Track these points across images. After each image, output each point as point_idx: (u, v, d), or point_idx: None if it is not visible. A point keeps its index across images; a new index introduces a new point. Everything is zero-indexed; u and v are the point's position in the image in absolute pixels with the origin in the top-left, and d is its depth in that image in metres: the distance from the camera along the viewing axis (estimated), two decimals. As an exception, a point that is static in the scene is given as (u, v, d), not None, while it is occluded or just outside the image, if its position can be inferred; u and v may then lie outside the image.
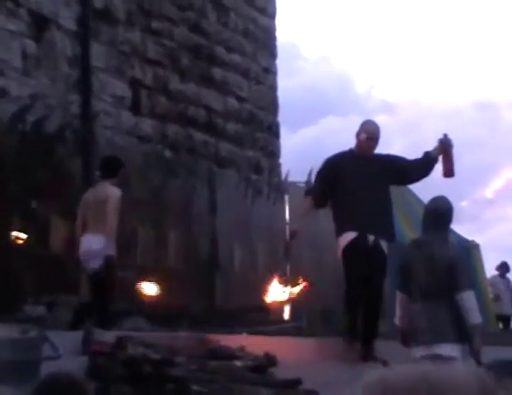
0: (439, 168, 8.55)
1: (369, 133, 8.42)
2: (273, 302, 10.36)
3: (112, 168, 9.36)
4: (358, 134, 8.47)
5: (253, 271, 13.65)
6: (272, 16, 17.49)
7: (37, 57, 11.96)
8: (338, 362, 7.61)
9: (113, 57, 13.30)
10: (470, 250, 14.21)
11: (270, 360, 7.06)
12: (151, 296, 10.67)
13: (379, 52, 48.31)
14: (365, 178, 8.25)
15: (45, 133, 11.27)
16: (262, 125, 16.65)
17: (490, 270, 16.12)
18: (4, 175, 10.65)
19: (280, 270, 13.38)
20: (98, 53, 12.93)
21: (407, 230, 12.47)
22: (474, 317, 6.30)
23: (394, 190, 9.20)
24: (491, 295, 15.68)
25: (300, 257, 13.84)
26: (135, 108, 13.69)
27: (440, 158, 8.45)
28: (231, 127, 15.78)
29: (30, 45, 11.90)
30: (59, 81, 12.24)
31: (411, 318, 6.53)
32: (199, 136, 14.92)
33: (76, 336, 7.09)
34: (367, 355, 7.93)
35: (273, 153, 17.01)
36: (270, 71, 17.23)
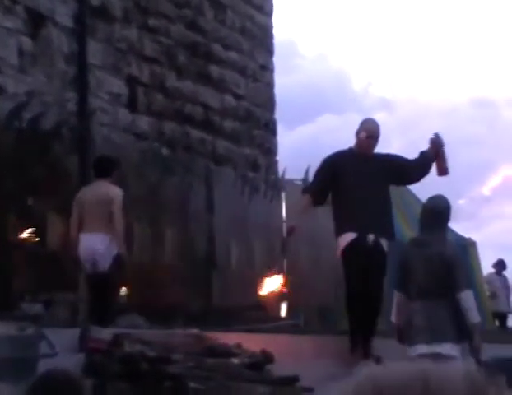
0: (433, 167, 8.56)
1: (369, 132, 8.39)
2: (268, 294, 10.35)
3: (104, 168, 9.33)
4: (358, 133, 8.43)
5: (250, 268, 13.63)
6: (269, 13, 17.48)
7: (33, 54, 11.93)
8: (335, 359, 7.60)
9: (109, 54, 13.28)
10: (467, 248, 14.19)
11: (267, 358, 7.07)
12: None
13: (376, 49, 48.36)
14: (365, 177, 8.22)
15: (42, 130, 11.24)
16: (259, 123, 16.63)
17: (486, 267, 16.15)
18: (0, 172, 10.63)
19: (277, 267, 13.39)
20: (94, 51, 12.90)
21: (406, 229, 12.45)
22: (473, 316, 6.30)
23: (394, 190, 9.19)
24: (488, 293, 15.68)
25: (298, 254, 13.83)
26: (132, 105, 13.66)
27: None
28: (228, 124, 15.76)
29: (27, 42, 11.87)
30: (56, 78, 12.22)
31: (409, 316, 6.53)
32: (196, 133, 14.89)
33: (73, 333, 7.09)
34: (366, 353, 7.93)
35: (270, 150, 16.99)
36: (267, 68, 17.21)
